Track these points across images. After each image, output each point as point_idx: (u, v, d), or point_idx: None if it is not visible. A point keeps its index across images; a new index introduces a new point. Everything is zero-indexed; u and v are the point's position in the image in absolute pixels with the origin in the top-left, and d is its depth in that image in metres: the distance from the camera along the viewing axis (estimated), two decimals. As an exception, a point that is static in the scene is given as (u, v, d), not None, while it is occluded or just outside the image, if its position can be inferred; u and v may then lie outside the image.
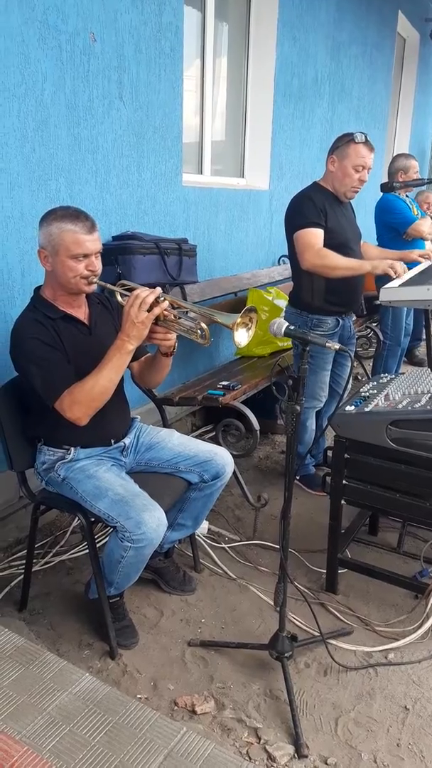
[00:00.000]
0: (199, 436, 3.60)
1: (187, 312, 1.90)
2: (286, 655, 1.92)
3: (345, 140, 2.64)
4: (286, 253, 4.57)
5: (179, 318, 1.87)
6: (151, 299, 1.80)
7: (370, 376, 4.66)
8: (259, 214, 4.21)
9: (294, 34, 4.24)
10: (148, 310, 1.81)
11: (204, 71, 3.71)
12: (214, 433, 3.16)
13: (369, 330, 4.60)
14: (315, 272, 2.64)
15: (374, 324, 4.48)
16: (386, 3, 5.99)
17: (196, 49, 3.65)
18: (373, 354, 4.57)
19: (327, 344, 1.63)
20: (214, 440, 2.96)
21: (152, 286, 2.86)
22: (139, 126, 2.92)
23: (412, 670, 2.01)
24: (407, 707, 1.87)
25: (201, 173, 3.87)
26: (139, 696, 1.89)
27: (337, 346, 1.63)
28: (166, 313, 1.85)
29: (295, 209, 2.71)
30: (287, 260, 4.59)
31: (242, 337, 1.78)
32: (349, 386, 3.08)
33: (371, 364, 4.64)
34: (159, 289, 1.83)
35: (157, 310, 1.81)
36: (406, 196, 4.03)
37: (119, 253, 2.74)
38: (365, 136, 2.62)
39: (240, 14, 4.04)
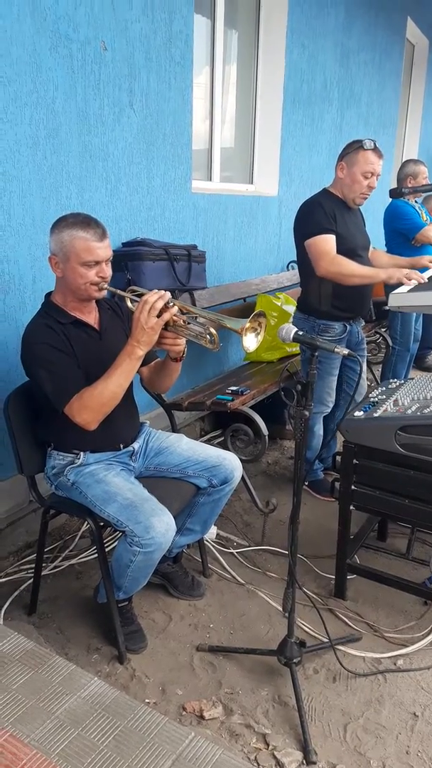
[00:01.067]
0: (208, 441, 3.61)
1: (196, 317, 1.91)
2: (294, 661, 1.91)
3: (354, 147, 2.65)
4: (295, 258, 4.63)
5: (188, 323, 1.88)
6: (160, 305, 1.81)
7: (379, 381, 4.65)
8: (268, 220, 4.22)
9: (303, 41, 4.27)
10: (158, 316, 1.82)
11: (213, 78, 3.74)
12: (222, 438, 3.16)
13: (378, 335, 4.59)
14: (330, 279, 2.64)
15: (383, 329, 4.47)
16: (395, 9, 6.01)
17: (205, 57, 3.68)
18: (382, 359, 4.56)
19: (336, 349, 1.64)
20: (223, 445, 2.96)
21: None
22: (149, 134, 2.94)
23: (421, 676, 2.00)
24: (416, 714, 1.86)
25: (210, 180, 3.89)
26: (147, 701, 1.90)
27: (345, 351, 1.64)
28: (175, 318, 1.86)
29: (305, 216, 2.72)
30: (296, 266, 4.61)
31: (251, 342, 1.79)
32: (364, 390, 3.09)
33: (380, 369, 4.63)
34: (168, 294, 1.84)
35: (166, 316, 1.82)
36: (415, 201, 4.03)
37: (129, 260, 2.76)
38: (374, 143, 2.63)
39: (249, 22, 4.07)
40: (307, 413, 1.70)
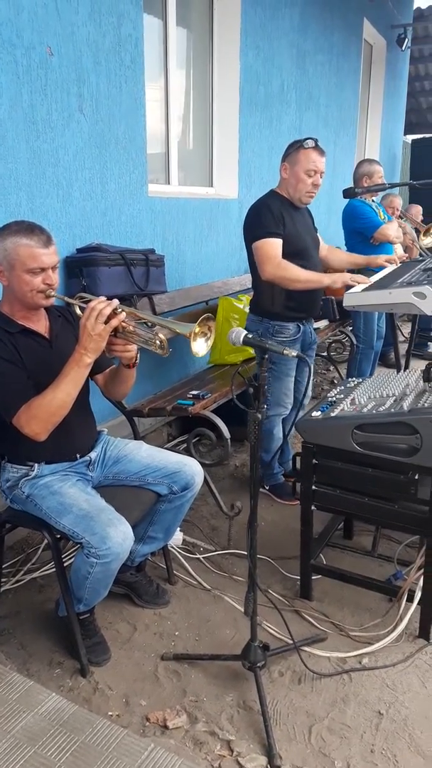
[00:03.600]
0: (175, 446, 3.59)
1: (146, 323, 1.89)
2: (258, 665, 1.90)
3: (295, 147, 2.66)
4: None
5: (138, 329, 1.86)
6: (107, 311, 1.79)
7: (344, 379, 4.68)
8: (229, 222, 4.22)
9: (257, 43, 4.28)
10: (106, 322, 1.79)
11: (168, 81, 3.72)
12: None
13: (342, 334, 4.62)
14: (275, 284, 2.65)
15: (349, 328, 4.50)
16: (350, 10, 6.07)
17: (159, 59, 3.67)
18: (347, 358, 4.58)
19: (284, 351, 1.63)
20: (187, 450, 2.94)
21: (119, 297, 2.87)
22: (100, 138, 2.91)
23: (386, 674, 2.01)
24: (381, 712, 1.86)
25: (168, 183, 3.88)
26: (110, 713, 1.86)
27: (294, 353, 1.63)
28: (124, 324, 1.84)
29: (253, 219, 2.72)
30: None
31: (201, 346, 1.77)
32: (309, 392, 3.11)
33: (346, 367, 4.66)
34: (116, 301, 1.81)
35: (114, 322, 1.80)
36: (372, 201, 4.07)
37: (84, 266, 2.73)
38: (315, 142, 2.65)
39: (203, 23, 4.07)
40: (259, 416, 1.69)
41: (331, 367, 5.17)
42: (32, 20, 2.44)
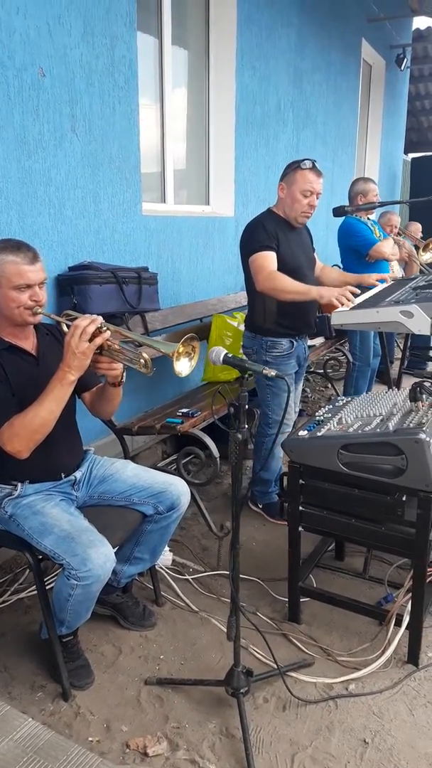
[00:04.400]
0: (168, 464, 3.56)
1: (131, 342, 1.88)
2: (242, 690, 1.86)
3: (293, 167, 2.68)
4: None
5: (123, 348, 1.85)
6: (91, 329, 1.78)
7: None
8: (225, 240, 4.23)
9: (253, 63, 4.32)
10: (90, 340, 1.79)
11: (164, 100, 3.76)
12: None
13: (339, 351, 4.60)
14: (267, 294, 2.66)
15: (345, 346, 4.49)
16: (348, 31, 6.13)
17: (154, 78, 3.70)
18: (344, 375, 4.57)
19: (264, 371, 1.62)
20: (177, 469, 2.92)
21: (110, 315, 2.89)
22: (93, 158, 2.93)
23: (373, 701, 1.96)
24: (366, 741, 1.82)
25: (164, 202, 3.89)
26: (90, 739, 1.83)
27: (273, 372, 1.62)
28: (109, 342, 1.83)
29: (248, 235, 2.74)
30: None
31: (184, 366, 1.76)
32: (295, 410, 3.11)
33: (342, 385, 4.64)
34: (100, 319, 1.81)
35: (98, 340, 1.79)
36: (368, 218, 4.07)
37: (75, 284, 2.74)
38: (313, 163, 2.66)
39: (199, 43, 4.11)
40: (239, 436, 1.67)
41: (329, 385, 5.16)
42: (24, 42, 2.47)
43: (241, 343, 3.05)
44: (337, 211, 2.84)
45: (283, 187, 2.72)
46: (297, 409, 3.15)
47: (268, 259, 2.63)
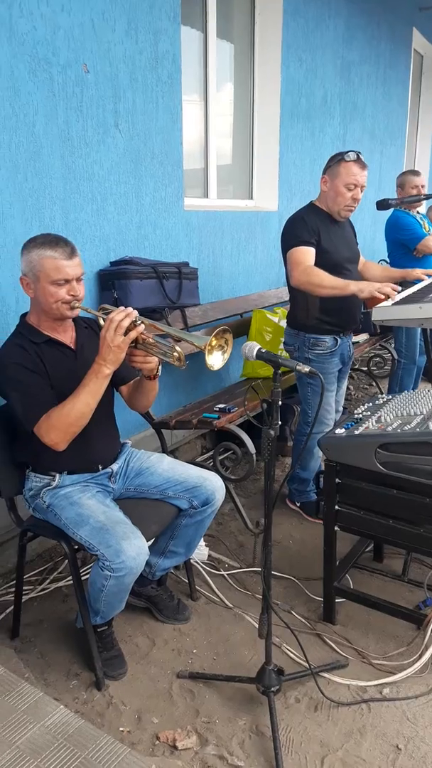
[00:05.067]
0: (206, 460, 3.57)
1: (165, 335, 1.89)
2: (272, 689, 1.85)
3: (336, 159, 2.62)
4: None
5: (157, 341, 1.86)
6: (126, 323, 1.79)
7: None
8: (268, 234, 4.19)
9: (299, 55, 4.26)
10: (125, 334, 1.80)
11: (208, 95, 3.74)
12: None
13: (383, 349, 4.50)
14: (302, 289, 2.61)
15: (390, 343, 4.39)
16: (399, 20, 5.97)
17: (199, 72, 3.69)
18: (388, 373, 4.47)
19: (297, 367, 1.59)
20: (213, 464, 2.92)
21: (150, 310, 2.91)
22: (136, 153, 2.95)
23: (408, 706, 1.91)
24: (399, 747, 1.78)
25: (207, 197, 3.89)
26: (121, 729, 1.85)
27: (306, 369, 1.59)
28: (143, 336, 1.84)
29: (288, 230, 2.70)
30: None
31: (216, 360, 1.75)
32: (338, 409, 3.05)
33: (387, 383, 4.54)
34: (135, 312, 1.82)
35: (133, 334, 1.80)
36: (417, 212, 3.96)
37: (116, 278, 2.76)
38: (357, 155, 2.60)
39: (244, 36, 4.08)
40: (272, 432, 1.65)
41: (373, 383, 5.06)
42: (68, 39, 2.50)
43: (282, 340, 3.01)
44: (381, 204, 2.76)
45: (326, 180, 2.66)
46: (340, 408, 3.09)
47: (306, 254, 2.58)
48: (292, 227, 2.67)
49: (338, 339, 2.79)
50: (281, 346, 3.04)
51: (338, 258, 2.66)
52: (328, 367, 2.81)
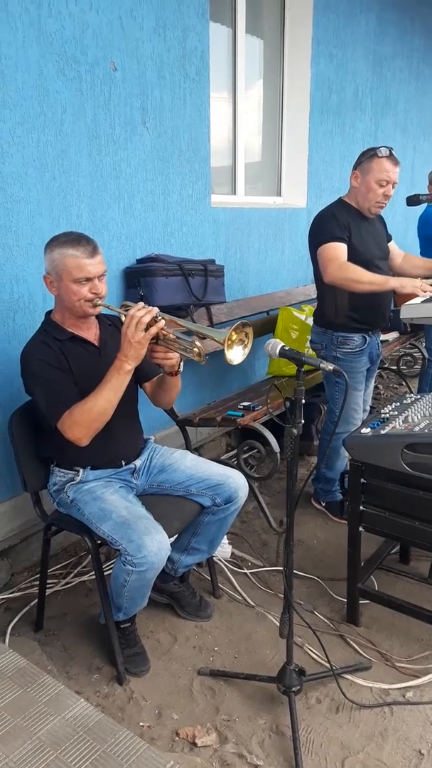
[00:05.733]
0: (231, 458, 3.56)
1: (186, 331, 1.88)
2: (293, 689, 1.83)
3: (368, 155, 2.57)
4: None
5: (178, 337, 1.86)
6: (147, 319, 1.80)
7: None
8: (296, 232, 4.16)
9: (330, 50, 4.21)
10: (146, 330, 1.80)
11: (236, 91, 3.73)
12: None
13: (414, 347, 4.43)
14: (338, 286, 2.56)
15: (421, 342, 4.32)
16: (433, 14, 5.86)
17: (228, 68, 3.67)
18: (419, 372, 4.39)
19: (321, 365, 1.57)
20: (237, 462, 2.91)
21: (176, 307, 2.91)
22: (163, 150, 2.95)
23: (432, 711, 1.88)
24: (422, 752, 1.75)
25: (234, 193, 3.87)
26: (141, 724, 1.86)
27: (330, 367, 1.57)
28: (164, 332, 1.84)
29: (318, 226, 2.66)
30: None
31: (237, 354, 1.74)
32: (365, 408, 3.00)
33: (417, 383, 4.46)
34: (155, 309, 1.82)
35: (153, 330, 1.80)
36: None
37: (141, 276, 2.77)
38: (390, 150, 2.55)
39: (274, 31, 4.04)
40: (295, 431, 1.63)
41: (402, 382, 4.98)
42: (96, 37, 2.52)
43: (309, 338, 2.98)
44: (411, 200, 2.71)
45: (357, 176, 2.62)
46: (367, 408, 3.04)
47: (339, 249, 2.53)
48: (322, 223, 2.62)
49: (367, 337, 2.75)
50: (309, 345, 3.00)
51: (369, 256, 2.62)
52: (356, 366, 2.77)
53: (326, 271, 2.57)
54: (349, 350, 2.74)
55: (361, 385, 2.86)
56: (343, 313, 2.66)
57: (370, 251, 2.66)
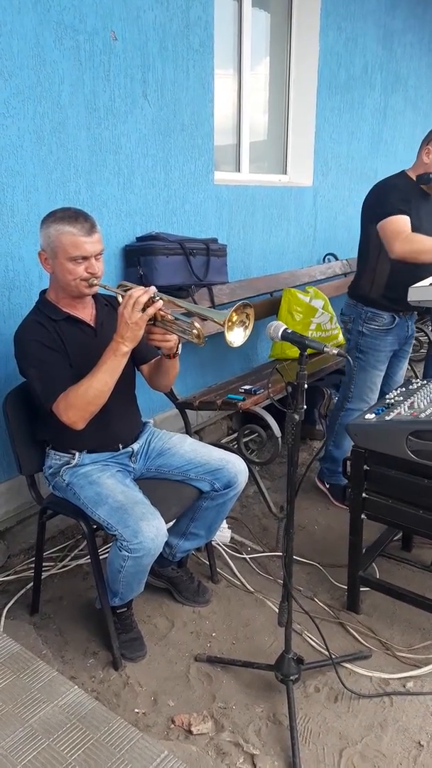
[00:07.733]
0: (231, 442, 3.51)
1: (185, 312, 1.82)
2: (291, 677, 1.80)
3: None
4: (332, 251, 4.44)
5: (177, 318, 1.79)
6: (144, 299, 1.73)
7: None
8: (301, 211, 4.07)
9: (339, 23, 4.07)
10: (143, 311, 1.74)
11: (241, 65, 3.61)
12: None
13: (420, 331, 4.34)
14: (408, 260, 2.43)
15: (428, 325, 4.24)
16: (447, -14, 5.67)
17: (233, 41, 3.56)
18: (424, 356, 4.31)
19: (325, 348, 1.51)
20: (237, 446, 2.86)
21: (176, 287, 2.84)
22: (165, 125, 2.86)
23: (432, 701, 1.85)
24: (421, 743, 1.72)
25: (239, 171, 3.78)
26: (137, 710, 1.83)
27: (335, 350, 1.51)
28: (162, 313, 1.78)
29: (379, 197, 2.53)
30: (332, 258, 4.43)
31: (237, 336, 1.68)
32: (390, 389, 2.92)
33: (422, 367, 4.39)
34: (153, 289, 1.76)
35: (150, 311, 1.74)
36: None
37: (141, 254, 2.70)
38: None
39: (281, 4, 3.91)
40: (296, 416, 1.58)
41: (408, 367, 4.90)
42: (96, 5, 2.42)
43: (341, 311, 2.89)
44: (421, 179, 2.61)
45: (429, 151, 2.48)
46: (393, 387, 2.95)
47: (404, 222, 2.41)
48: (385, 194, 2.50)
49: (396, 317, 2.67)
50: (339, 317, 2.92)
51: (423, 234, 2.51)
52: (380, 345, 2.70)
53: (392, 245, 2.43)
54: (376, 327, 2.68)
55: (382, 365, 2.78)
56: (379, 291, 2.60)
57: (425, 231, 2.50)
